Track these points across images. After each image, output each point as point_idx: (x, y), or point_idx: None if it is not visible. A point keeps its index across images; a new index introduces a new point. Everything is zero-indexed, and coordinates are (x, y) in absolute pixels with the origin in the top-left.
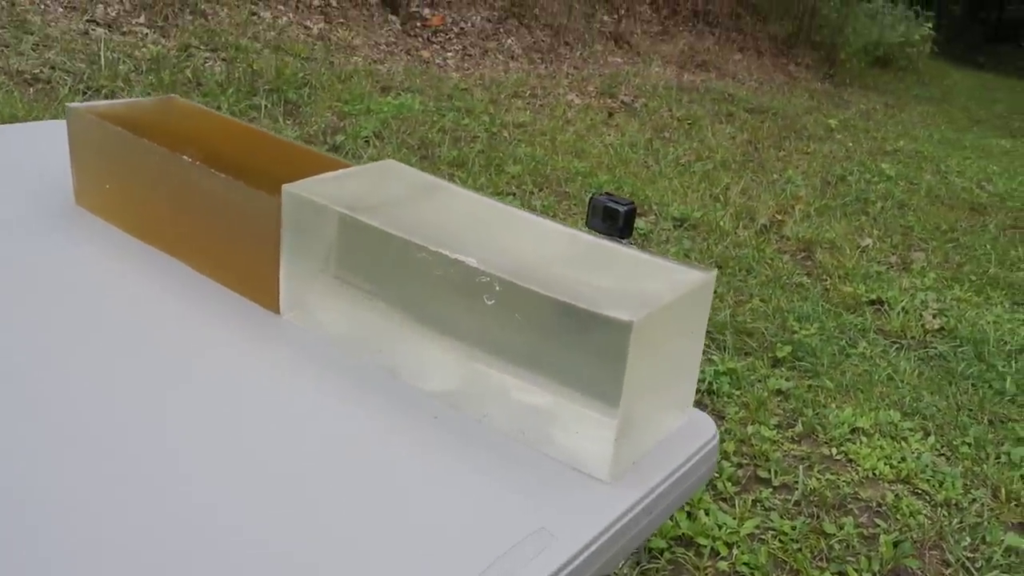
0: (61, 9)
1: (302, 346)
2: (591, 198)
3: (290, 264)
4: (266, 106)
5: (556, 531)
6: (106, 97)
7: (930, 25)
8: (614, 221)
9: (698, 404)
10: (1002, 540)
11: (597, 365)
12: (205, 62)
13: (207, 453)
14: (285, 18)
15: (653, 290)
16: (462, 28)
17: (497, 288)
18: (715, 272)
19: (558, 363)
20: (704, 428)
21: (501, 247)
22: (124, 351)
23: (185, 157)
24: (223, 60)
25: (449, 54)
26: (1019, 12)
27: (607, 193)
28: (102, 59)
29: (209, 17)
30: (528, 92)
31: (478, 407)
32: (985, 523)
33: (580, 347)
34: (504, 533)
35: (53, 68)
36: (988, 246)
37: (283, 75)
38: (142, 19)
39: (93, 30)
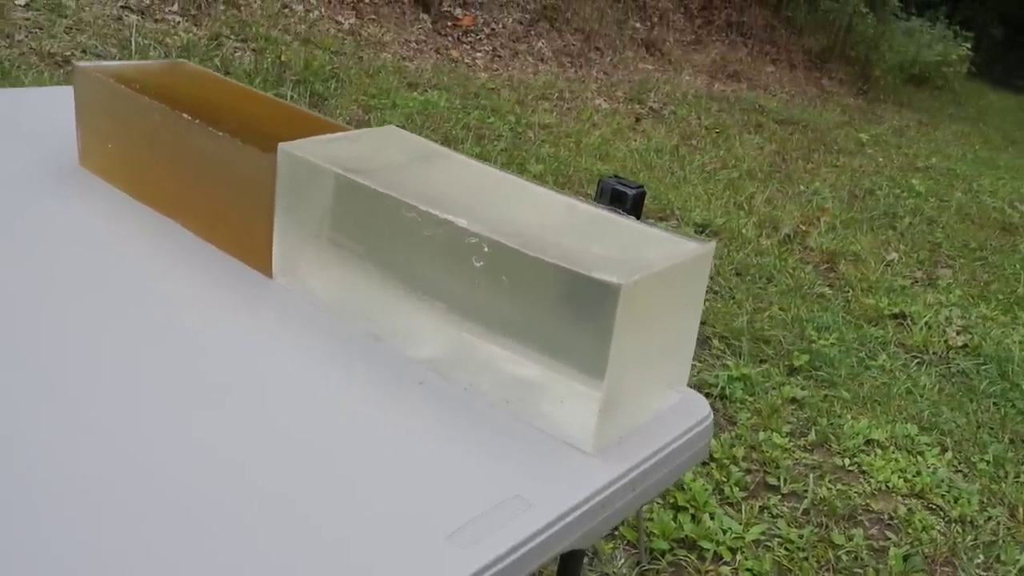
0: None
1: (292, 311)
2: (600, 181)
3: (284, 226)
4: (292, 96)
5: (533, 499)
6: None
7: (968, 45)
8: (622, 204)
9: (711, 411)
10: (1017, 559)
11: (584, 332)
12: (235, 52)
13: (189, 412)
14: (317, 12)
15: (647, 257)
16: (493, 29)
17: (486, 249)
18: (713, 244)
19: (545, 330)
20: (697, 408)
21: (496, 212)
22: (116, 310)
23: (184, 115)
24: (253, 50)
25: (479, 54)
26: None
27: (616, 176)
28: (133, 44)
29: (242, 8)
30: (556, 95)
31: (465, 375)
32: (1001, 542)
33: (568, 313)
34: (480, 498)
35: (85, 51)
36: (1018, 266)
37: (311, 67)
38: (175, 7)
39: (126, 16)
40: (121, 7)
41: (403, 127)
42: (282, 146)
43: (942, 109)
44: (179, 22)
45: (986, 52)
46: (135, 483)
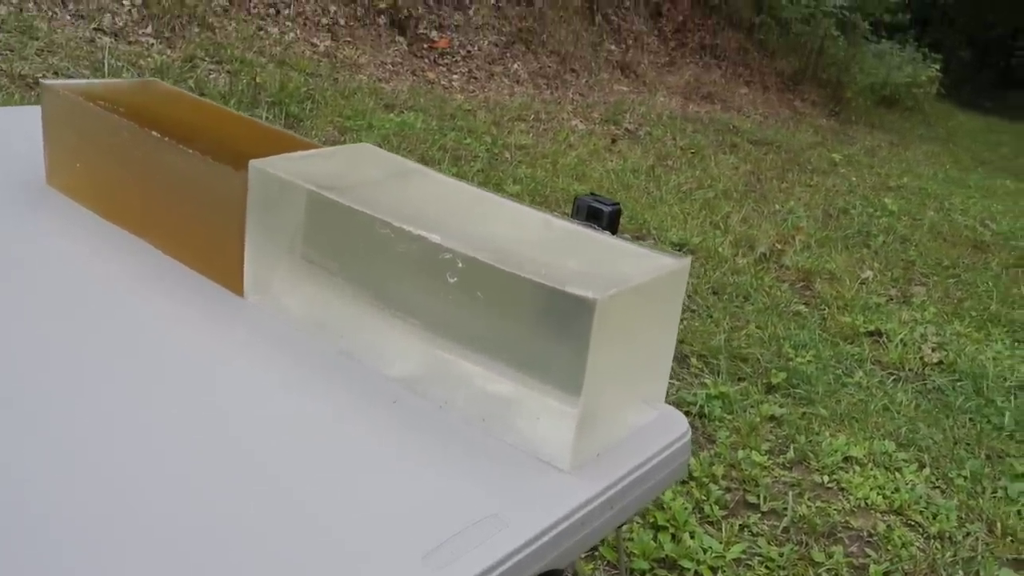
0: (68, 17)
1: (264, 330)
2: (576, 198)
3: (255, 244)
4: (268, 118)
5: (510, 518)
6: None
7: (937, 67)
8: (598, 221)
9: (689, 426)
10: (997, 575)
11: (560, 348)
12: (209, 73)
13: (162, 432)
14: (292, 34)
15: (623, 272)
16: (469, 51)
17: (460, 265)
18: (688, 259)
19: (521, 346)
20: (675, 424)
21: (471, 228)
22: (84, 330)
23: (154, 133)
24: (227, 72)
25: (455, 76)
26: None
27: (592, 194)
28: (106, 66)
29: (216, 30)
30: (532, 116)
31: (440, 392)
32: (980, 557)
33: (543, 328)
34: (456, 518)
35: (56, 73)
36: (990, 283)
37: (286, 89)
38: (149, 30)
39: (99, 38)
40: (94, 29)
41: (379, 147)
42: (253, 163)
43: (912, 130)
44: (153, 44)
45: (954, 74)
46: (105, 504)
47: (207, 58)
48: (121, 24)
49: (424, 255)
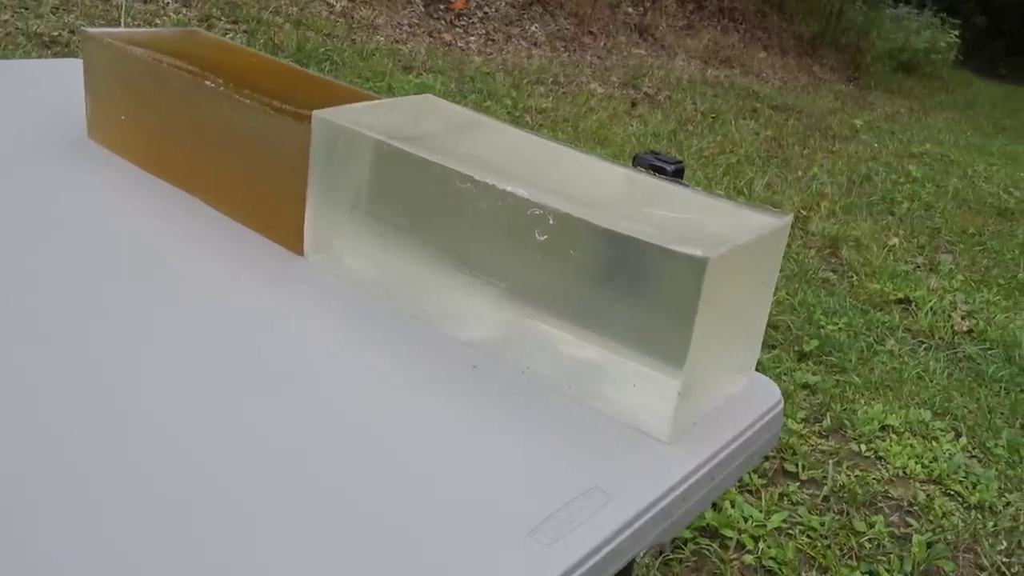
0: None
1: (327, 291)
2: (636, 155)
3: (318, 200)
4: None
5: (612, 492)
6: None
7: (956, 33)
8: None
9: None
10: None
11: (662, 312)
12: (226, 33)
13: (226, 402)
14: None
15: (726, 230)
16: (486, 13)
17: (551, 222)
18: (790, 216)
19: (616, 310)
20: (768, 393)
21: (552, 182)
22: (136, 292)
23: (207, 82)
24: (244, 32)
25: (472, 38)
26: None
27: (652, 151)
28: (122, 25)
29: None
30: (551, 79)
31: (521, 358)
32: (1021, 527)
33: (643, 290)
34: (556, 491)
35: (72, 32)
36: (1017, 251)
37: (304, 49)
38: None
39: None
40: None
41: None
42: (317, 113)
43: (931, 96)
44: (168, 3)
45: (969, 41)
46: (186, 476)
47: (223, 18)
48: None
49: (511, 211)
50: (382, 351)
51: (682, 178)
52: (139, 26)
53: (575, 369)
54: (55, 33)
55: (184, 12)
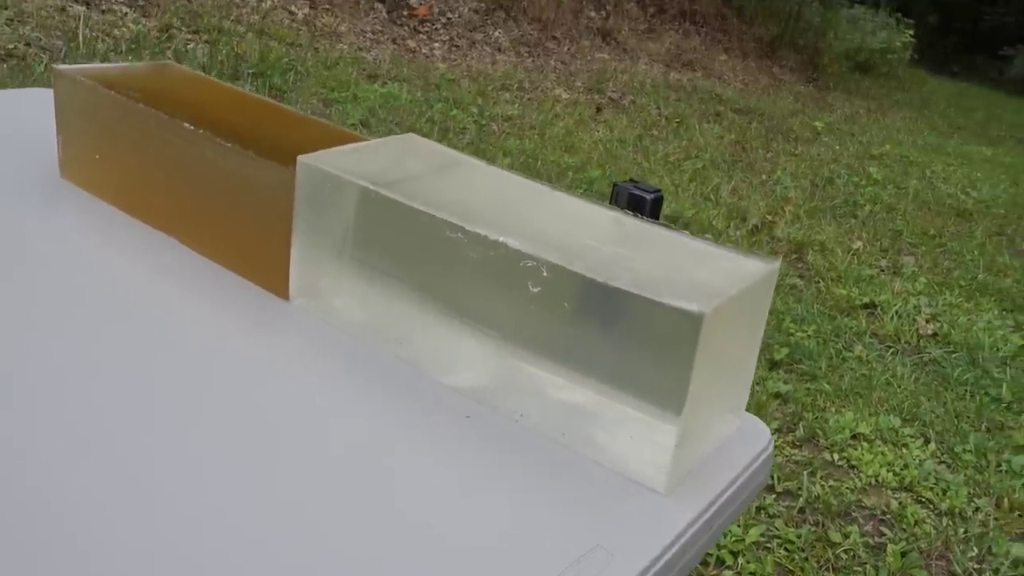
0: None
1: (314, 336)
2: (615, 185)
3: (303, 244)
4: (251, 90)
5: (614, 549)
6: None
7: (910, 32)
8: (640, 209)
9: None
10: (1008, 551)
11: (657, 362)
12: (187, 44)
13: (207, 456)
14: (269, 2)
15: (717, 279)
16: (449, 19)
17: (544, 274)
18: (778, 262)
19: (610, 359)
20: (759, 434)
21: (540, 228)
22: (113, 338)
23: (187, 124)
24: (205, 42)
25: (436, 44)
26: (993, 22)
27: (632, 180)
28: (80, 36)
29: None
30: (516, 85)
31: (514, 405)
32: (990, 533)
33: (638, 342)
34: (556, 551)
35: (28, 44)
36: (976, 252)
37: (267, 59)
38: None
39: (71, 7)
40: None
41: (367, 121)
42: (302, 159)
43: (888, 95)
44: (127, 13)
45: (923, 39)
46: (184, 533)
47: (184, 27)
48: None
49: (503, 261)
50: (374, 400)
51: (661, 206)
52: (97, 37)
53: (569, 416)
54: (11, 46)
55: (143, 22)
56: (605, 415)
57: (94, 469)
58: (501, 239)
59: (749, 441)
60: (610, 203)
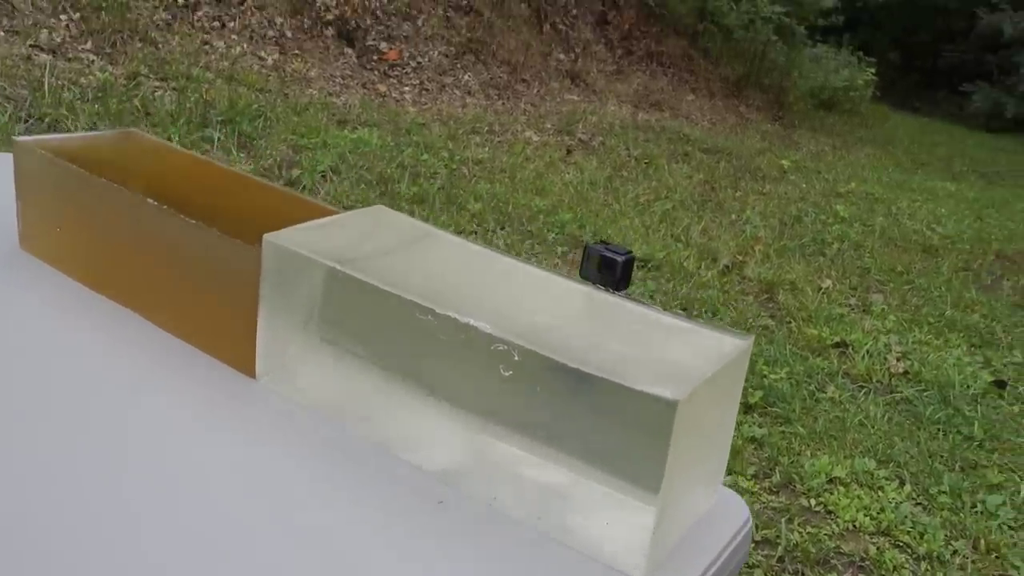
0: (2, 33)
1: (281, 415)
2: (586, 247)
3: (270, 322)
4: (219, 138)
5: None
6: (50, 125)
7: (872, 70)
8: (611, 272)
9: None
10: None
11: (633, 446)
12: (154, 91)
13: (169, 542)
14: (238, 48)
15: (691, 360)
16: (419, 63)
17: (516, 358)
18: (752, 338)
19: (584, 443)
20: (736, 510)
21: (511, 307)
22: (73, 418)
23: (150, 200)
24: (174, 89)
25: (406, 88)
26: (953, 59)
27: (603, 242)
28: (46, 85)
29: (159, 45)
30: (486, 128)
31: (487, 488)
32: None
33: (612, 424)
34: None
35: None
36: (943, 288)
37: (236, 106)
38: (89, 45)
39: (36, 55)
40: (30, 45)
41: (337, 167)
42: (267, 237)
43: (852, 132)
44: (93, 60)
45: (885, 76)
46: None
47: (151, 75)
48: (59, 40)
49: (473, 345)
50: (346, 487)
51: (632, 268)
52: (63, 85)
53: (544, 498)
54: None
55: (110, 70)
56: (581, 496)
57: (52, 561)
58: (472, 322)
59: (727, 518)
60: (581, 265)
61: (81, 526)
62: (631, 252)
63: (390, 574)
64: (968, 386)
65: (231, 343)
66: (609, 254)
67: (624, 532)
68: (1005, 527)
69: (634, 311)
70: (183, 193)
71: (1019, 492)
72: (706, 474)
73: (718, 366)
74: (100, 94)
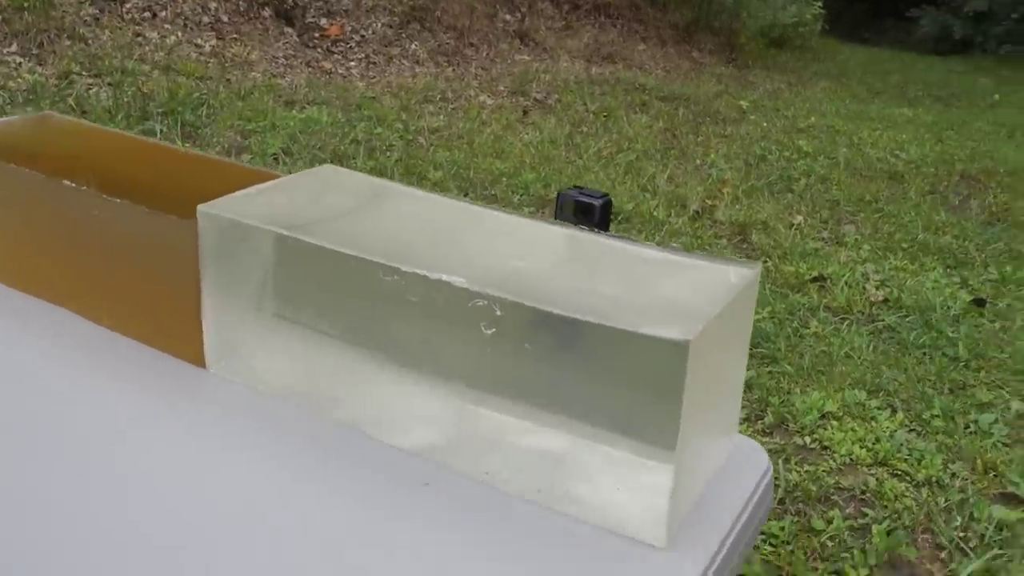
0: None
1: (238, 407)
2: (559, 193)
3: (215, 305)
4: (162, 130)
5: None
6: None
7: (819, 4)
8: (589, 217)
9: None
10: (990, 515)
11: (641, 399)
12: (89, 88)
13: (124, 552)
14: (173, 37)
15: (695, 297)
16: (363, 36)
17: (498, 313)
18: (759, 266)
19: (585, 398)
20: (756, 459)
21: (486, 259)
22: (11, 431)
23: (68, 182)
24: (109, 85)
25: (352, 63)
26: None
27: (576, 187)
28: None
29: (89, 41)
30: (439, 96)
31: (477, 462)
32: (970, 499)
33: (615, 377)
34: None
35: None
36: (912, 212)
37: (177, 96)
38: (14, 48)
39: None
40: None
41: (288, 148)
42: (202, 208)
43: (806, 68)
44: (21, 63)
45: (832, 9)
46: None
47: (84, 72)
48: None
49: (448, 304)
50: (320, 477)
51: (610, 210)
52: None
53: (543, 467)
54: None
55: (40, 71)
56: (585, 461)
57: None
58: (444, 277)
59: (747, 467)
60: (555, 214)
61: (26, 538)
62: (607, 195)
63: (384, 563)
64: (948, 307)
65: (176, 332)
66: (584, 198)
67: (638, 496)
68: (1000, 444)
69: (623, 249)
70: (108, 174)
71: (1010, 408)
72: (722, 422)
73: (727, 300)
74: (31, 96)
